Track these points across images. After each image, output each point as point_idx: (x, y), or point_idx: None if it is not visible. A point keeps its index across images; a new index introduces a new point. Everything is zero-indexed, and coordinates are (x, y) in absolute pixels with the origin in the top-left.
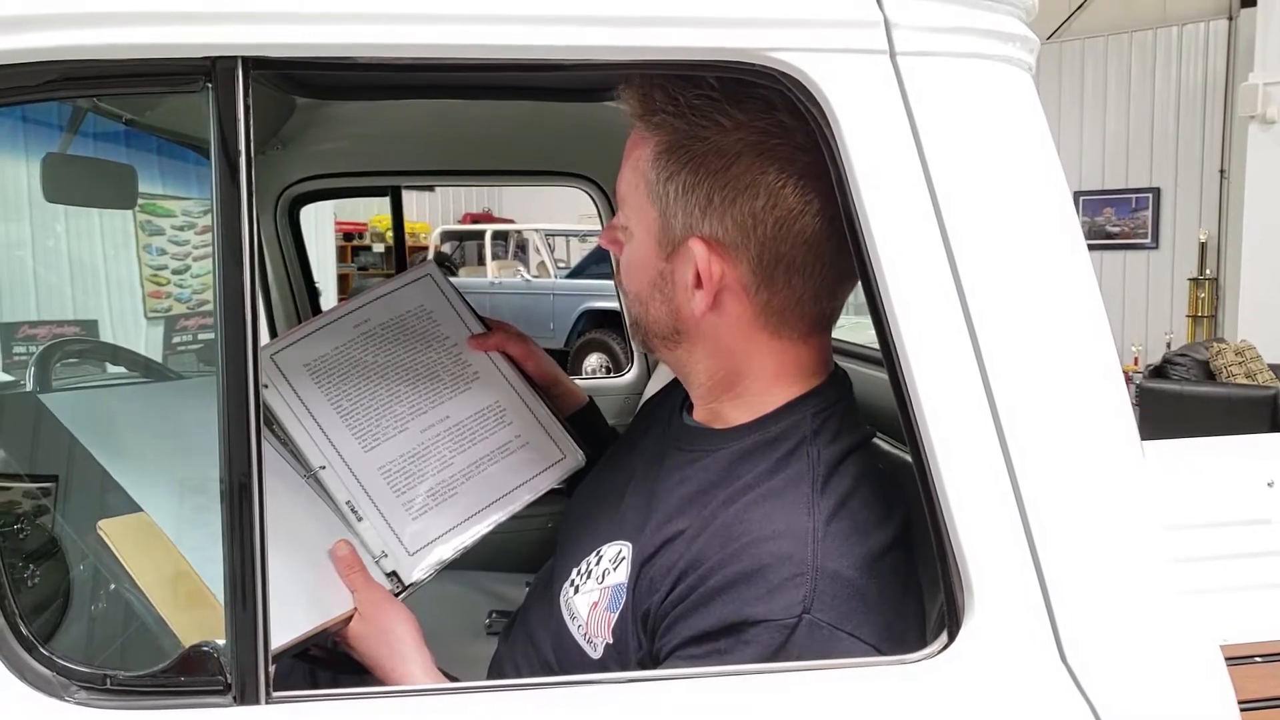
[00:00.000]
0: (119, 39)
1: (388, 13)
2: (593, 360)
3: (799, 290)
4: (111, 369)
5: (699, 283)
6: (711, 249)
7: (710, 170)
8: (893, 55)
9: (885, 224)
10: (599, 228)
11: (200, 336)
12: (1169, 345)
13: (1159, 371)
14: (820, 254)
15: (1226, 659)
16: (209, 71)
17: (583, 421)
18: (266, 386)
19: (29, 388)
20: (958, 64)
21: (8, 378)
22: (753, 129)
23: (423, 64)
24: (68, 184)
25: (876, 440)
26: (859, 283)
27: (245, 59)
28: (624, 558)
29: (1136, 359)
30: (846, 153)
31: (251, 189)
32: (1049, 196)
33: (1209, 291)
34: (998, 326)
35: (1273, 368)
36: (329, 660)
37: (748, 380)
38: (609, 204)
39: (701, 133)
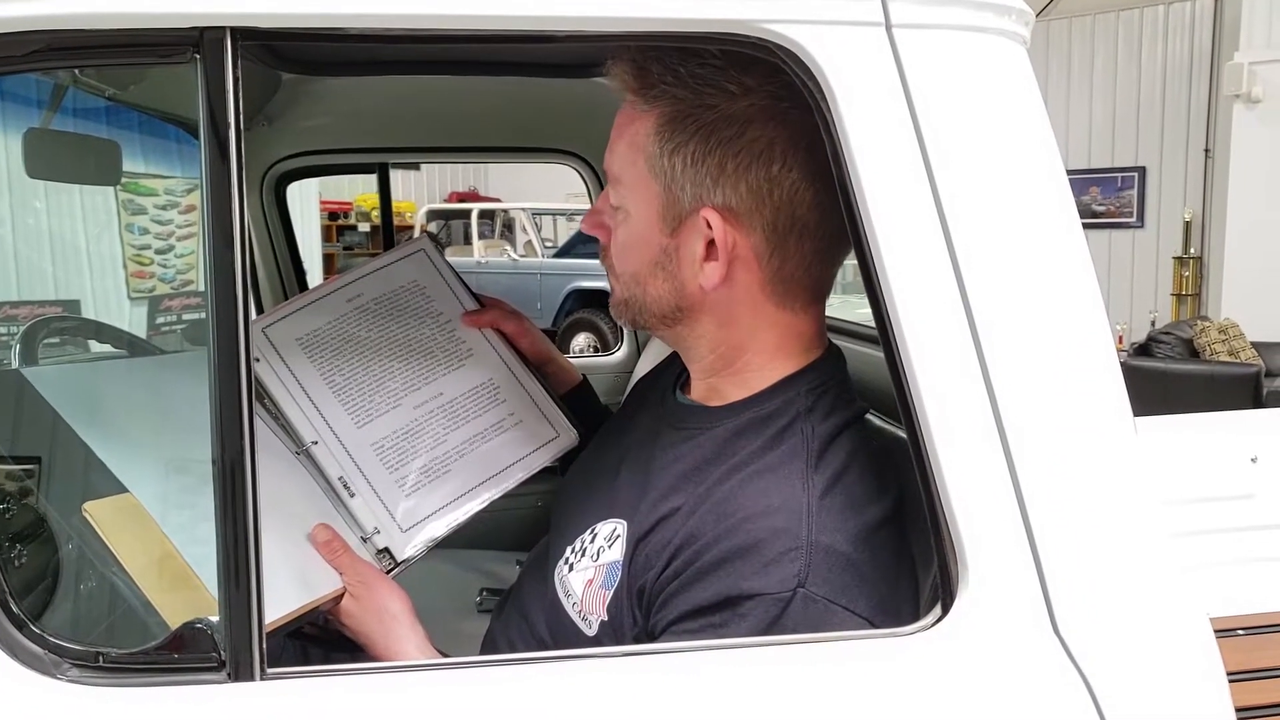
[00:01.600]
0: (104, 8)
1: None
2: (580, 340)
3: (808, 255)
4: (98, 347)
5: (708, 255)
6: (725, 218)
7: (722, 138)
8: (888, 27)
9: (881, 198)
10: (586, 206)
11: (185, 317)
12: (1153, 323)
13: (1144, 349)
14: (828, 214)
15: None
16: (196, 42)
17: (577, 400)
18: (258, 360)
19: (14, 365)
20: (953, 36)
21: None
22: (763, 94)
23: (412, 35)
24: (51, 159)
25: (869, 417)
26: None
27: (233, 30)
28: (619, 535)
29: (1121, 337)
30: (842, 126)
31: (241, 161)
32: (1044, 170)
33: (1193, 270)
34: (993, 300)
35: (1256, 345)
36: (321, 638)
37: (749, 354)
38: (598, 180)
39: (709, 100)
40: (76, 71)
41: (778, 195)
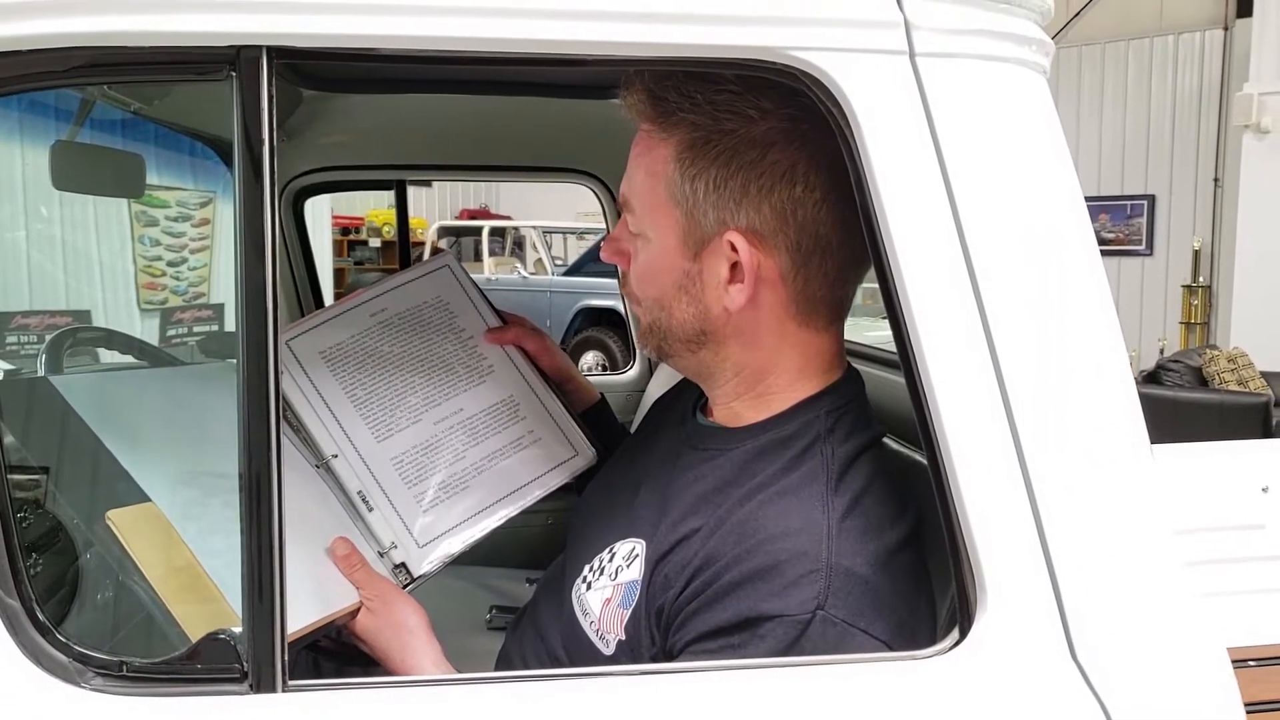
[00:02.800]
0: (145, 26)
1: (412, 5)
2: (588, 358)
3: (830, 274)
4: (120, 358)
5: (733, 278)
6: (750, 240)
7: (744, 162)
8: (912, 56)
9: (903, 224)
10: (597, 225)
11: (196, 329)
12: (1162, 351)
13: (1152, 377)
14: (850, 231)
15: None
16: (233, 60)
17: (595, 418)
18: (281, 372)
19: (40, 373)
20: (976, 66)
21: (8, 365)
22: (781, 116)
23: (443, 57)
24: (77, 172)
25: (886, 440)
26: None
27: (269, 49)
28: (638, 555)
29: (1130, 365)
30: (865, 153)
31: (274, 178)
32: (1063, 197)
33: (1202, 299)
34: (1012, 326)
35: (1265, 375)
36: (335, 651)
37: (773, 376)
38: (614, 200)
39: (728, 125)
40: (105, 86)
41: (801, 215)
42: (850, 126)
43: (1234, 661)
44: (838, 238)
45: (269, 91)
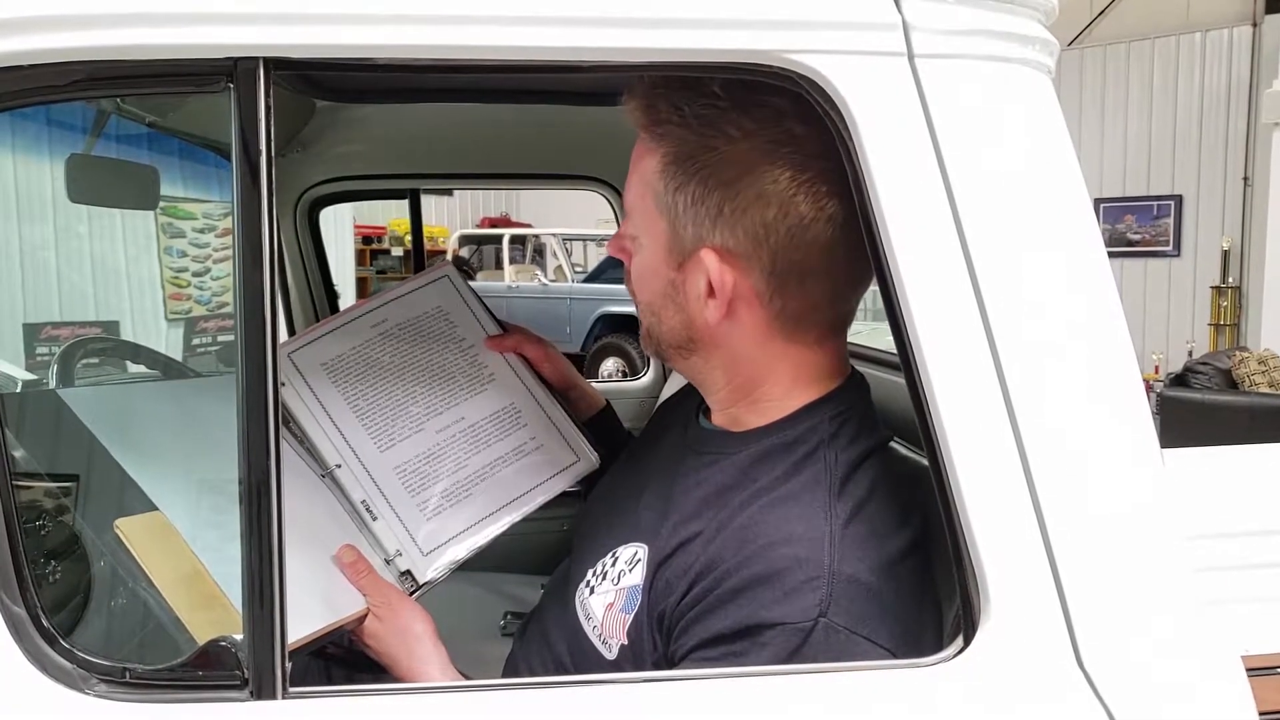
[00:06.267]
0: (143, 39)
1: (407, 14)
2: (609, 365)
3: (814, 296)
4: (133, 368)
5: (711, 293)
6: (723, 259)
7: (721, 181)
8: (911, 58)
9: (903, 227)
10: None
11: (220, 338)
12: (1190, 354)
13: (1180, 380)
14: (834, 259)
15: (1248, 670)
16: (230, 72)
17: (600, 426)
18: (284, 385)
19: (51, 385)
20: (976, 67)
21: (32, 377)
22: (762, 138)
23: (440, 65)
24: (91, 184)
25: (893, 445)
26: (872, 286)
27: (266, 60)
28: (640, 559)
29: (1157, 367)
30: (864, 155)
31: (272, 188)
32: (1068, 200)
33: (1231, 300)
34: (1015, 330)
35: None
36: (345, 658)
37: (765, 386)
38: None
39: (711, 143)
40: (119, 100)
41: (774, 240)
42: (848, 129)
43: (1260, 669)
44: (818, 263)
45: (266, 102)
